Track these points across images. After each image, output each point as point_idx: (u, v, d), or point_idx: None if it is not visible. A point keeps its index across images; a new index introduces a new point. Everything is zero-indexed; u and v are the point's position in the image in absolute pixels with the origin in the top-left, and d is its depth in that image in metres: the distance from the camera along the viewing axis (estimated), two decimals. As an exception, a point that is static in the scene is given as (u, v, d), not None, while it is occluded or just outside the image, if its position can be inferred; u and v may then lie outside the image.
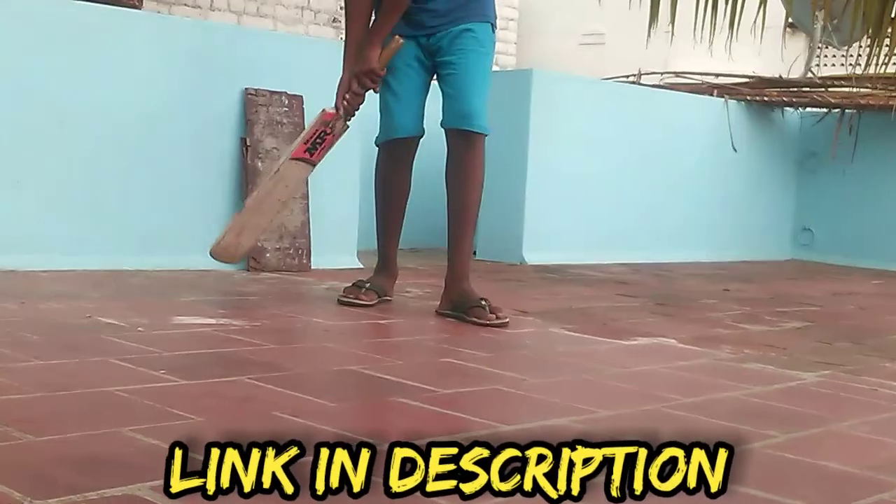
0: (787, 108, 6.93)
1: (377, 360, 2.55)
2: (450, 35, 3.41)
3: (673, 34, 5.82)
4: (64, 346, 2.47)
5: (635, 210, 6.07)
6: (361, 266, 4.54)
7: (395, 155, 3.55)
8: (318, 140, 3.40)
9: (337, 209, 4.61)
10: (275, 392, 2.11)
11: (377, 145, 3.59)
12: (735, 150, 6.55)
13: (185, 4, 8.89)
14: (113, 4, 4.20)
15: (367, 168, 4.95)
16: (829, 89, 6.76)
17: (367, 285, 3.50)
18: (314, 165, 3.47)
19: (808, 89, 6.83)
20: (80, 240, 3.93)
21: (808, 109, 6.96)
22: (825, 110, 6.76)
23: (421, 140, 3.56)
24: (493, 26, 3.49)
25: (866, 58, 5.83)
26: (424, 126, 3.53)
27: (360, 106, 3.43)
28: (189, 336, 2.74)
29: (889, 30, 5.14)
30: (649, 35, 5.17)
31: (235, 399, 2.05)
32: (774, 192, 7.04)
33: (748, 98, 6.74)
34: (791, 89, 6.84)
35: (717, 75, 6.96)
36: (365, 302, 3.44)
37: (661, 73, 7.25)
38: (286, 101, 4.41)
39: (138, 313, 2.97)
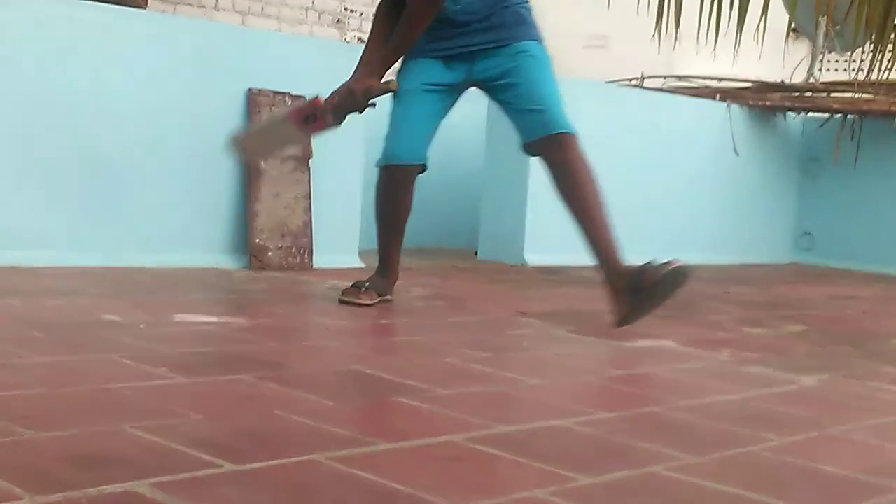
0: (790, 113, 6.94)
1: (378, 359, 2.56)
2: (500, 56, 3.34)
3: (677, 39, 5.83)
4: (66, 342, 2.48)
5: (637, 213, 6.07)
6: (363, 265, 4.55)
7: (394, 180, 3.50)
8: (310, 117, 3.39)
9: (339, 209, 4.62)
10: (276, 391, 2.12)
11: (377, 167, 3.54)
12: (737, 154, 6.56)
13: (190, 4, 8.90)
14: (118, 4, 4.20)
15: (370, 168, 4.98)
16: (832, 95, 6.76)
17: (367, 285, 3.49)
18: (305, 134, 3.54)
19: (810, 94, 6.83)
20: (83, 237, 3.94)
21: (811, 114, 6.96)
22: (827, 116, 6.76)
23: (422, 172, 3.50)
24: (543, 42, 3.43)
25: (869, 64, 5.84)
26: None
27: (346, 117, 3.41)
28: (191, 334, 2.75)
29: (892, 36, 5.15)
30: (659, 40, 5.17)
31: (236, 397, 2.06)
32: (776, 196, 7.05)
33: (750, 103, 6.74)
34: (793, 94, 6.84)
35: (720, 80, 6.96)
36: (364, 302, 3.44)
37: (665, 77, 7.25)
38: (290, 102, 4.42)
39: (140, 311, 2.98)
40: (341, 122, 3.42)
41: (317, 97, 3.38)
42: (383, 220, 3.60)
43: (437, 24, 3.33)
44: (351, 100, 3.35)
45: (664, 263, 3.10)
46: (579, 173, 3.29)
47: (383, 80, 3.42)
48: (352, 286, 3.50)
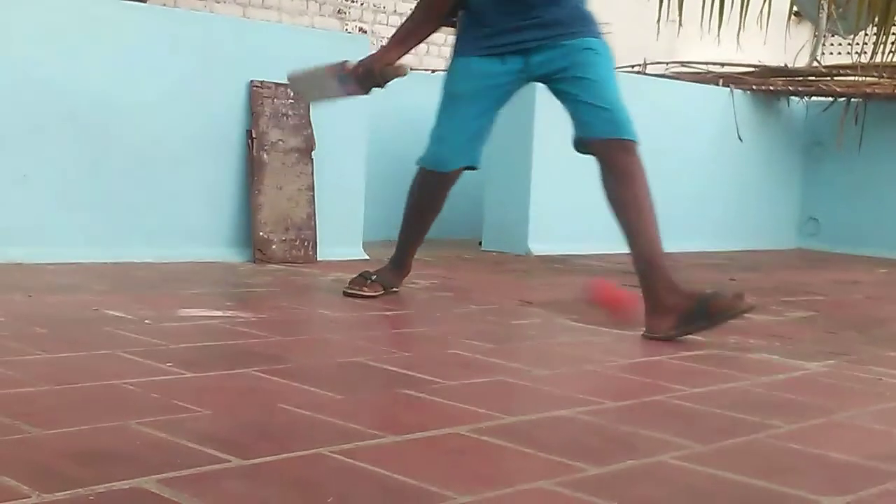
0: (793, 98, 6.92)
1: (383, 351, 2.56)
2: (560, 49, 3.23)
3: (680, 24, 5.82)
4: (70, 339, 2.48)
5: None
6: (367, 257, 4.54)
7: (436, 182, 3.42)
8: (343, 77, 3.41)
9: (343, 201, 4.61)
10: (281, 384, 2.11)
11: (418, 166, 3.45)
12: (741, 139, 6.54)
13: (191, -4, 8.89)
14: (118, -3, 4.20)
15: (373, 160, 4.98)
16: (835, 78, 6.74)
17: (373, 277, 3.48)
18: (339, 92, 3.49)
19: (813, 78, 6.81)
20: (87, 232, 3.94)
21: (814, 98, 6.94)
22: (831, 99, 6.74)
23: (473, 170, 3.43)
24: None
25: (872, 46, 5.83)
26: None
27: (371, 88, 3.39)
28: (195, 328, 2.75)
29: (895, 18, 5.14)
30: (658, 26, 5.17)
31: (242, 391, 2.06)
32: (780, 181, 7.03)
33: (753, 87, 6.73)
34: (797, 78, 6.82)
35: (723, 65, 6.95)
36: (369, 294, 3.43)
37: (667, 63, 7.24)
38: (292, 93, 4.41)
39: (145, 306, 2.98)
40: (367, 92, 3.42)
41: (345, 62, 3.38)
42: (414, 216, 3.54)
43: (492, 20, 3.25)
44: (370, 76, 3.33)
45: (737, 297, 2.95)
46: (638, 184, 3.16)
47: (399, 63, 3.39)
48: (358, 276, 3.49)
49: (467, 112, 3.33)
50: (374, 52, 3.47)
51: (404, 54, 3.40)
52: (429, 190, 3.47)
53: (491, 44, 3.27)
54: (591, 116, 3.18)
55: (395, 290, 3.57)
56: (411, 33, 3.41)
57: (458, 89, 3.33)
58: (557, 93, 3.30)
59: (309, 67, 3.54)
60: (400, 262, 3.59)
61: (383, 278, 3.51)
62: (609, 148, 3.16)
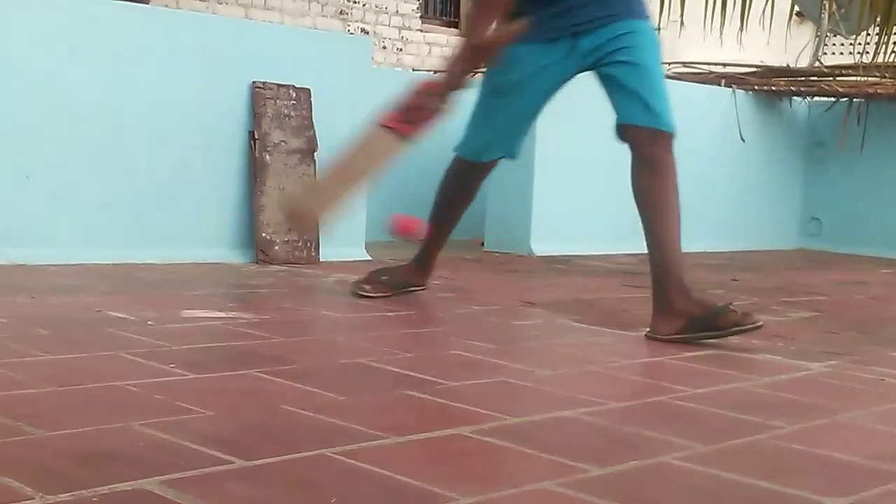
0: (795, 98, 6.91)
1: (385, 352, 2.56)
2: (608, 30, 3.11)
3: (682, 25, 5.82)
4: (73, 340, 2.48)
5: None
6: (370, 258, 4.54)
7: (473, 173, 3.38)
8: (414, 114, 3.04)
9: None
10: (284, 385, 2.12)
11: (456, 153, 3.38)
12: (743, 140, 6.54)
13: (193, -3, 8.90)
14: (120, -1, 4.20)
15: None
16: (837, 78, 6.74)
17: (384, 278, 3.43)
18: (405, 139, 3.04)
19: (815, 79, 6.81)
20: (89, 234, 3.94)
21: (816, 99, 6.93)
22: (833, 100, 6.74)
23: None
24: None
25: (874, 46, 5.83)
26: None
27: (464, 86, 3.14)
28: (198, 330, 2.75)
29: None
30: (659, 26, 5.16)
31: (245, 393, 2.06)
32: (782, 181, 7.03)
33: (756, 88, 6.72)
34: (799, 79, 6.82)
35: (725, 65, 6.94)
36: (372, 294, 3.40)
37: (669, 63, 7.24)
38: (294, 94, 4.41)
39: (147, 307, 2.98)
40: (450, 97, 3.12)
41: (425, 82, 3.11)
42: (445, 204, 3.46)
43: (538, 4, 3.12)
44: (483, 49, 3.10)
45: (746, 314, 2.92)
46: (667, 179, 3.07)
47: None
48: (368, 274, 3.45)
49: (511, 103, 3.24)
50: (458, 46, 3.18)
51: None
52: (464, 179, 3.41)
53: (538, 28, 3.11)
54: (630, 103, 3.10)
55: (416, 288, 3.50)
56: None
57: (503, 80, 3.22)
58: (603, 77, 3.17)
59: (342, 153, 3.11)
60: (423, 259, 3.51)
61: (396, 278, 3.45)
62: (642, 136, 3.08)
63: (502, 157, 3.36)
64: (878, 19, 5.67)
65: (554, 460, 1.68)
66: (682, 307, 2.94)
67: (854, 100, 6.61)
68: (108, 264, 3.84)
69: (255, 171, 4.29)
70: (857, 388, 2.50)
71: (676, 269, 3.01)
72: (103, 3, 4.05)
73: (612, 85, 3.15)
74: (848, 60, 7.40)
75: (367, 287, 3.43)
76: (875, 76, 6.47)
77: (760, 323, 2.91)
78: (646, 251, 3.09)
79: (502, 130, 3.29)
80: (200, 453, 1.60)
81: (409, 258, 3.59)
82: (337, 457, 1.62)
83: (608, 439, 1.86)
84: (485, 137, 3.31)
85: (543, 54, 3.17)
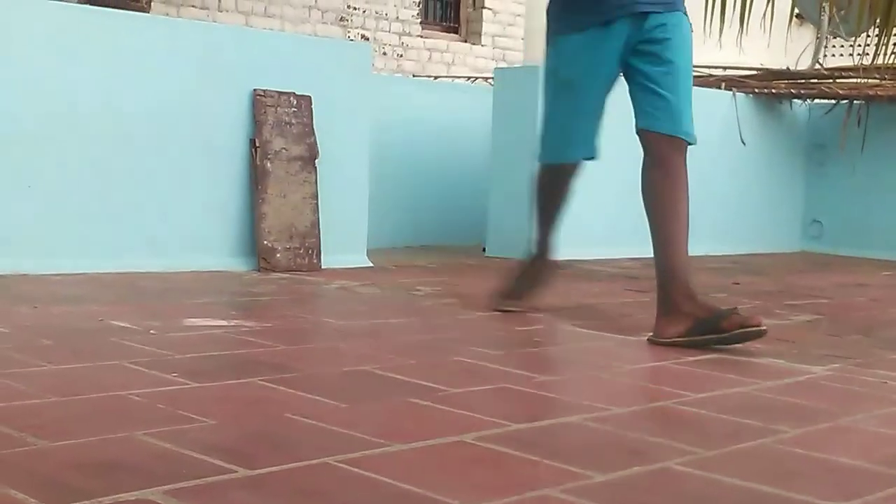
0: (795, 100, 6.91)
1: (388, 359, 2.56)
2: (664, 21, 3.06)
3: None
4: (76, 350, 2.48)
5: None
6: (371, 265, 4.55)
7: (562, 176, 3.32)
8: None
9: (346, 208, 4.62)
10: (287, 394, 2.12)
11: (541, 163, 3.34)
12: (744, 142, 6.54)
13: (193, 6, 8.91)
14: (121, 8, 4.21)
15: (376, 166, 4.98)
16: (837, 81, 6.74)
17: (522, 289, 3.40)
18: None
19: (815, 81, 6.81)
20: (91, 243, 3.94)
21: (817, 101, 6.93)
22: (833, 102, 6.74)
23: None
24: None
25: (874, 48, 5.83)
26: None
27: None
28: (201, 338, 2.75)
29: (896, 20, 5.13)
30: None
31: (247, 401, 2.06)
32: (783, 184, 7.03)
33: (756, 90, 6.72)
34: (799, 81, 6.82)
35: (725, 68, 6.94)
36: (520, 309, 3.34)
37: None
38: (295, 102, 4.42)
39: (150, 316, 2.98)
40: None
41: None
42: (548, 212, 3.44)
43: None
44: None
45: (750, 318, 2.90)
46: (681, 187, 3.09)
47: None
48: (505, 290, 3.42)
49: (581, 97, 3.16)
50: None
51: None
52: (556, 184, 3.35)
53: (592, 10, 3.06)
54: (655, 106, 3.06)
55: (547, 289, 3.49)
56: None
57: (568, 74, 3.15)
58: (633, 69, 3.11)
59: None
60: (539, 263, 3.50)
61: (520, 290, 3.43)
62: (663, 142, 3.06)
63: (586, 159, 3.28)
64: (878, 21, 5.67)
65: (557, 467, 1.68)
66: (688, 310, 2.94)
67: (854, 102, 6.61)
68: (110, 273, 3.84)
69: (256, 179, 4.29)
70: (860, 391, 2.50)
71: (683, 273, 3.01)
72: (104, 12, 4.06)
73: (640, 81, 3.10)
74: (848, 62, 7.40)
75: (511, 301, 3.39)
76: (875, 78, 6.47)
77: (765, 328, 2.90)
78: (647, 255, 3.09)
79: (578, 128, 3.21)
80: (203, 462, 1.60)
81: (529, 267, 3.53)
82: (340, 465, 1.62)
83: (611, 445, 1.86)
84: (563, 136, 3.24)
85: (601, 40, 3.08)
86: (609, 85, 3.19)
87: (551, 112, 3.25)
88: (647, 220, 3.11)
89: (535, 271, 3.51)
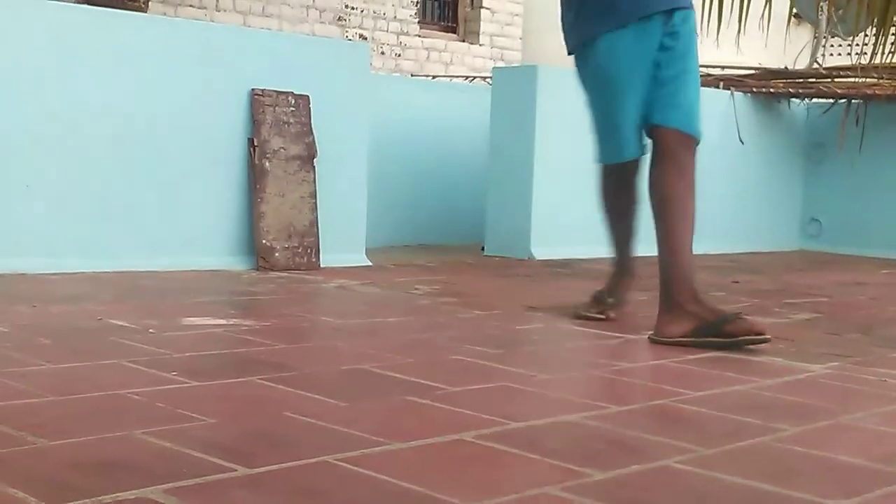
0: (794, 100, 6.92)
1: (387, 358, 2.56)
2: (685, 17, 3.08)
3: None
4: (75, 349, 2.48)
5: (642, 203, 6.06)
6: (370, 264, 4.55)
7: (624, 175, 3.27)
8: None
9: (345, 207, 4.62)
10: (286, 392, 2.12)
11: (600, 165, 3.31)
12: (742, 142, 6.54)
13: (191, 5, 8.91)
14: (119, 8, 4.21)
15: (375, 166, 4.98)
16: (835, 80, 6.74)
17: (611, 300, 3.35)
18: None
19: (813, 80, 6.81)
20: (90, 242, 3.94)
21: (815, 100, 6.94)
22: (831, 101, 6.74)
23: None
24: None
25: (872, 48, 5.83)
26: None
27: None
28: (200, 337, 2.75)
29: (894, 19, 5.13)
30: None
31: (247, 400, 2.06)
32: (782, 183, 7.03)
33: (754, 90, 6.73)
34: (797, 80, 6.82)
35: (723, 67, 6.95)
36: (607, 318, 3.29)
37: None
38: (293, 101, 4.42)
39: (149, 315, 2.98)
40: None
41: None
42: (617, 216, 3.39)
43: None
44: None
45: (754, 325, 2.90)
46: (690, 182, 3.09)
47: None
48: (594, 299, 3.37)
49: (628, 92, 3.12)
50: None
51: None
52: (621, 184, 3.31)
53: (639, 6, 3.06)
54: (667, 102, 3.07)
55: (625, 296, 3.44)
56: None
57: (614, 70, 3.12)
58: (655, 65, 3.11)
59: None
60: (624, 270, 3.44)
61: (618, 296, 3.38)
62: (673, 138, 3.07)
63: (640, 156, 3.24)
64: (876, 20, 5.67)
65: (556, 465, 1.68)
66: (693, 310, 2.93)
67: (852, 101, 6.62)
68: (109, 272, 3.84)
69: (254, 178, 4.29)
70: (859, 389, 2.50)
71: (688, 271, 3.00)
72: (102, 12, 4.06)
73: (659, 76, 3.09)
74: (846, 62, 7.41)
75: (598, 310, 3.34)
76: (873, 77, 6.48)
77: (769, 337, 2.89)
78: (645, 254, 3.09)
79: (631, 125, 3.15)
80: (203, 461, 1.60)
81: (611, 275, 3.48)
82: (339, 463, 1.62)
83: (610, 443, 1.86)
84: (620, 136, 3.19)
85: (641, 35, 3.08)
86: (649, 78, 3.13)
87: (600, 112, 3.22)
88: (651, 215, 3.10)
89: (616, 281, 3.44)
